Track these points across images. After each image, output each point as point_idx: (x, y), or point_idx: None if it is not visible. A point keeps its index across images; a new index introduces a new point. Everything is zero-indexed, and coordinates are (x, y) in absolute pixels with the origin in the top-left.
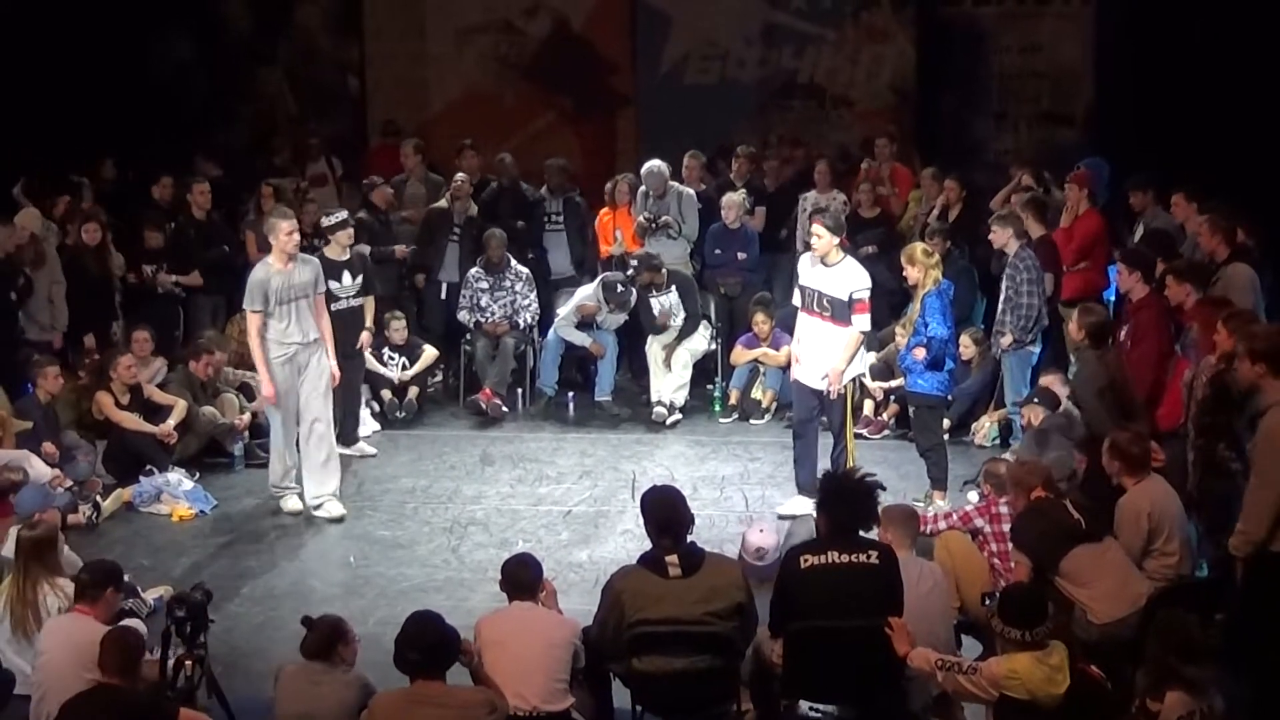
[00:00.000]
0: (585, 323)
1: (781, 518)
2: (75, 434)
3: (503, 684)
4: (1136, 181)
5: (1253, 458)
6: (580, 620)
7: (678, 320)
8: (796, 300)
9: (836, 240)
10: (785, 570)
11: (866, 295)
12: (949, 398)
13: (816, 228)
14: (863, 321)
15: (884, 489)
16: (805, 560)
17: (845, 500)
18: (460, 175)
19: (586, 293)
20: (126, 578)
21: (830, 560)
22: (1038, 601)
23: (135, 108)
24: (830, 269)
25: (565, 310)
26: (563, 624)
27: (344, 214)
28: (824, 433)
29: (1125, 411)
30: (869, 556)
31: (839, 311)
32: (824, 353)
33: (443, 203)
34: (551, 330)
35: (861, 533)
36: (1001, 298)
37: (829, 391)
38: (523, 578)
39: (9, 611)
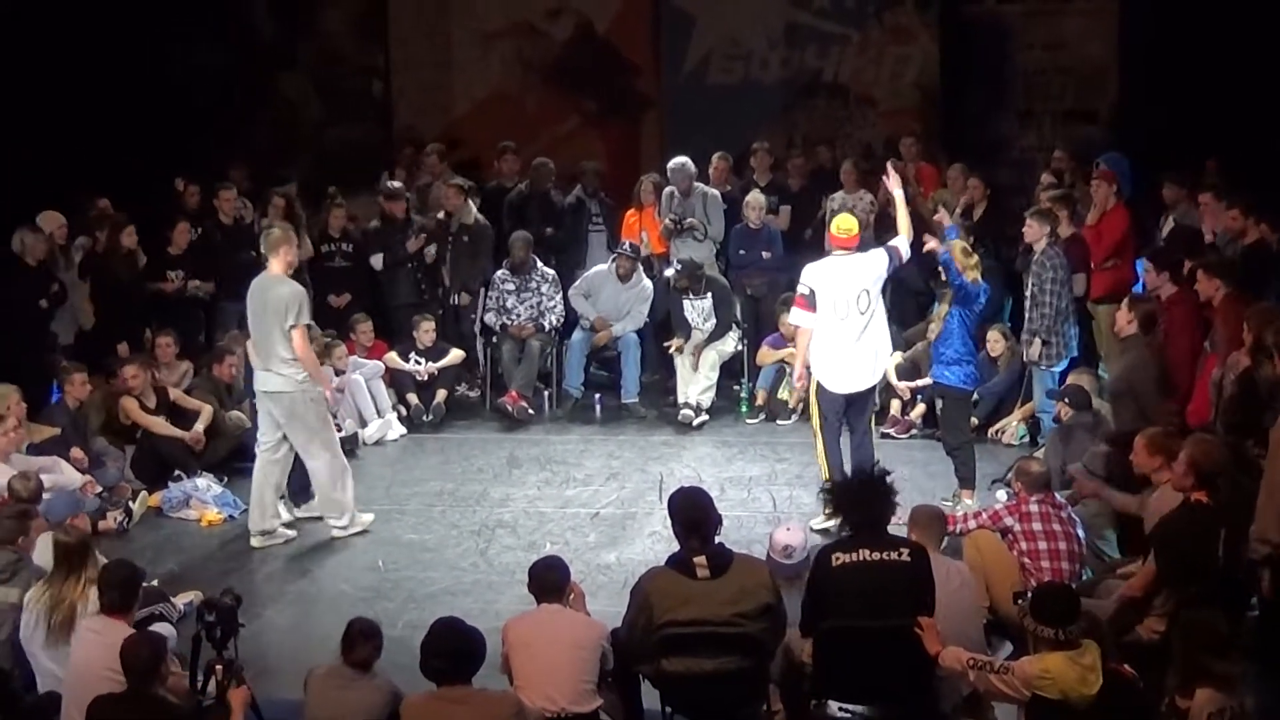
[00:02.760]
0: (604, 346)
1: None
2: (104, 440)
3: (531, 686)
4: (1176, 175)
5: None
6: (609, 622)
7: (708, 326)
8: None
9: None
10: (817, 568)
11: (800, 290)
12: (975, 394)
13: None
14: (794, 314)
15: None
16: (837, 558)
17: (855, 500)
18: (458, 180)
19: (601, 268)
20: (155, 583)
21: (861, 558)
22: (1071, 600)
23: (158, 113)
24: None
25: (578, 283)
26: (590, 626)
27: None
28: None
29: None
30: (900, 554)
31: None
32: None
33: (440, 214)
34: (575, 331)
35: (890, 529)
36: (1027, 296)
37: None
38: (550, 580)
39: (47, 616)
